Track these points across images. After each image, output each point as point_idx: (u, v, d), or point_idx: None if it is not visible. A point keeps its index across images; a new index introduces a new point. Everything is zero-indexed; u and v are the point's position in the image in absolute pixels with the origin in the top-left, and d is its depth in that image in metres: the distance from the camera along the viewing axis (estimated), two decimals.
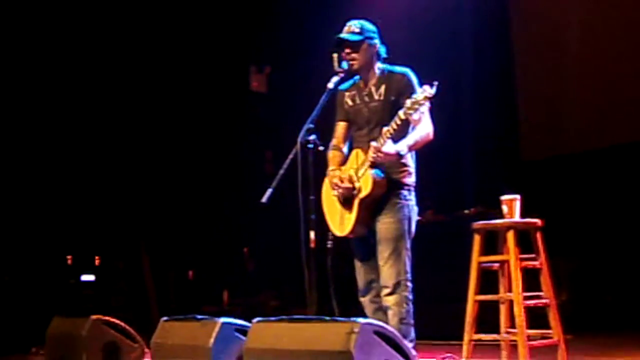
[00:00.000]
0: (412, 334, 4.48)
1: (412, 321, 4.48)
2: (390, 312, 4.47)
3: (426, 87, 4.22)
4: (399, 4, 8.47)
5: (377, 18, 4.85)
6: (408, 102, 4.24)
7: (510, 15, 8.97)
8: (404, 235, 4.51)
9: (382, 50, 4.68)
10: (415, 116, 4.29)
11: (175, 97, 10.02)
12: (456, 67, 8.69)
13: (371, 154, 4.35)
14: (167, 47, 9.85)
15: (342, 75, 4.59)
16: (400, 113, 4.27)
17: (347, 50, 4.59)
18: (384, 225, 4.51)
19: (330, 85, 4.55)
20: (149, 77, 9.87)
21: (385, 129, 4.34)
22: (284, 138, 4.91)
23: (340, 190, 4.57)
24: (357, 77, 4.73)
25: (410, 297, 4.48)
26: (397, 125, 4.30)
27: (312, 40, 6.37)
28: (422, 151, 4.61)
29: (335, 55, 4.60)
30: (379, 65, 4.67)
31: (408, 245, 4.53)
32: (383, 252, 4.50)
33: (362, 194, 4.48)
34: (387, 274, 4.47)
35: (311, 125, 4.35)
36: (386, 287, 4.48)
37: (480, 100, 8.62)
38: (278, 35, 9.94)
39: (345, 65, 4.60)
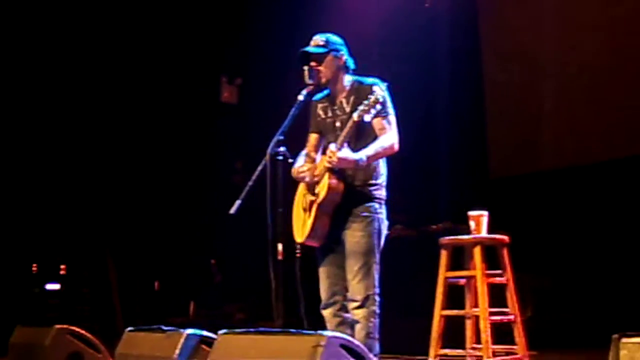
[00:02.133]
0: (377, 348, 4.47)
1: (377, 335, 4.46)
2: (358, 326, 4.44)
3: (376, 88, 4.31)
4: (373, 21, 8.50)
5: (350, 33, 4.86)
6: (362, 105, 4.28)
7: (481, 33, 9.04)
8: (374, 249, 4.48)
9: (350, 62, 4.66)
10: (367, 118, 4.30)
11: (144, 106, 9.96)
12: (428, 84, 8.73)
13: (326, 158, 4.36)
14: (137, 56, 9.80)
15: (312, 87, 4.58)
16: (355, 115, 4.31)
17: (313, 64, 4.57)
18: (354, 238, 4.47)
19: (301, 97, 4.52)
20: (117, 86, 9.80)
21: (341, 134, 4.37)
22: (253, 149, 4.89)
23: (308, 174, 4.54)
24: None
25: (378, 311, 4.46)
26: (350, 128, 4.32)
27: (284, 52, 6.35)
28: (393, 166, 4.61)
29: (306, 68, 4.59)
30: (347, 78, 4.66)
31: (377, 259, 4.50)
32: (352, 266, 4.46)
33: (319, 199, 4.45)
34: (356, 288, 4.44)
35: (281, 137, 4.34)
36: (355, 300, 4.45)
37: (451, 116, 8.67)
38: (249, 46, 9.93)
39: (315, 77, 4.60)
